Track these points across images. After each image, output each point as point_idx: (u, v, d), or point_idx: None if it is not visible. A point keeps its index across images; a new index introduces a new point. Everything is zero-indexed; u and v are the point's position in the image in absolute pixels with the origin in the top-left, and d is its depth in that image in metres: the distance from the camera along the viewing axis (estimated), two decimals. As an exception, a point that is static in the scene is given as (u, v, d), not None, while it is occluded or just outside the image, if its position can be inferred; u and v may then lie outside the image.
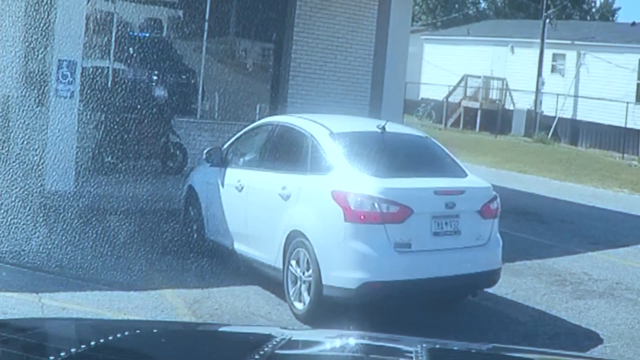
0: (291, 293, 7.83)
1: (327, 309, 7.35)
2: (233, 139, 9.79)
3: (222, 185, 9.29)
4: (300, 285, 7.73)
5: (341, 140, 8.11)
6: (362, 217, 7.33)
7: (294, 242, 7.84)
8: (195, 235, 9.85)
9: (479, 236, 7.88)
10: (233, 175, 9.18)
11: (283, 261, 7.98)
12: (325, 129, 8.30)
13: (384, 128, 8.25)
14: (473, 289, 8.14)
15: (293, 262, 7.84)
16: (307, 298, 7.62)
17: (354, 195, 7.39)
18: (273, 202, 8.25)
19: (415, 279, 7.42)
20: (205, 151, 9.75)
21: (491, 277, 8.00)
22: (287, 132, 8.79)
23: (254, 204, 8.71)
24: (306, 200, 7.93)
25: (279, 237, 8.04)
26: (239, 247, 8.87)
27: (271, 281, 8.28)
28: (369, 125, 8.92)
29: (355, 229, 7.33)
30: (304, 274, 7.68)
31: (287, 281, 7.91)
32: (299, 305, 7.73)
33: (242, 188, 8.89)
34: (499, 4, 56.42)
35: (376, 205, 7.33)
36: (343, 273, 7.33)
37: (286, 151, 8.82)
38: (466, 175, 8.28)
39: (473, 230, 7.84)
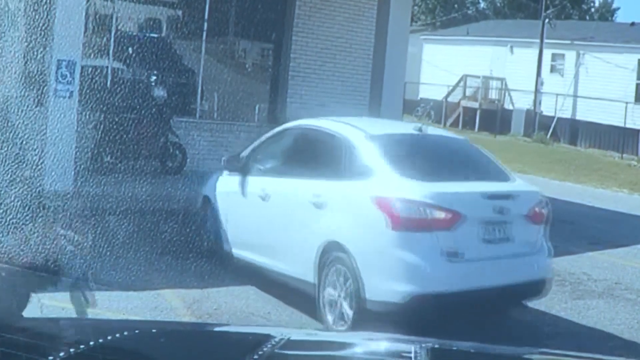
0: (327, 309, 7.29)
1: (369, 325, 6.71)
2: (254, 145, 9.14)
3: (244, 195, 8.71)
4: (338, 301, 7.17)
5: (379, 143, 7.58)
6: (409, 224, 6.80)
7: (330, 253, 7.25)
8: (213, 248, 9.28)
9: (530, 243, 7.45)
10: (256, 183, 8.58)
11: (317, 275, 7.39)
12: (360, 131, 7.81)
13: (420, 130, 7.85)
14: (522, 298, 7.74)
15: (329, 275, 7.28)
16: (347, 314, 7.06)
17: (399, 201, 6.88)
18: (304, 211, 7.68)
19: (467, 290, 6.90)
20: (223, 159, 9.20)
21: (541, 286, 7.56)
22: (318, 136, 8.21)
23: (281, 214, 8.10)
24: (343, 208, 7.39)
25: (311, 249, 7.44)
26: (264, 260, 8.25)
27: (301, 294, 7.74)
28: (404, 127, 8.56)
29: (401, 238, 6.81)
30: (342, 288, 7.11)
31: (321, 296, 7.34)
32: (331, 319, 7.19)
33: (267, 197, 8.28)
34: (498, 4, 56.43)
35: (424, 211, 6.84)
36: (389, 286, 6.79)
37: (317, 156, 8.22)
38: (511, 178, 7.87)
39: (523, 236, 7.41)
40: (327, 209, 7.46)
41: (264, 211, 8.31)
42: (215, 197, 9.34)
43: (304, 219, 7.69)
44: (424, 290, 6.73)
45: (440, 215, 6.89)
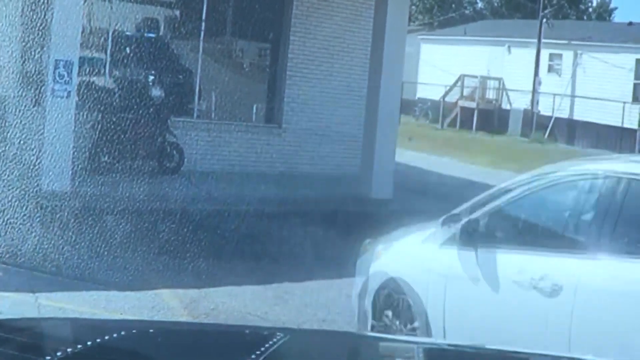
0: None
1: None
2: (499, 200, 6.03)
3: (490, 281, 5.76)
4: None
5: None
6: None
7: None
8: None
9: None
10: (520, 265, 5.67)
11: None
12: None
13: None
14: None
15: None
16: None
17: None
18: None
19: None
20: (443, 219, 6.06)
21: None
22: None
23: (591, 319, 5.25)
24: None
25: None
26: None
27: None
28: None
29: None
30: None
31: None
32: None
33: (551, 288, 5.37)
34: (496, 3, 56.50)
35: None
36: None
37: None
38: None
39: None
40: None
41: (550, 312, 5.44)
42: (414, 279, 6.28)
43: None
44: None
45: None
